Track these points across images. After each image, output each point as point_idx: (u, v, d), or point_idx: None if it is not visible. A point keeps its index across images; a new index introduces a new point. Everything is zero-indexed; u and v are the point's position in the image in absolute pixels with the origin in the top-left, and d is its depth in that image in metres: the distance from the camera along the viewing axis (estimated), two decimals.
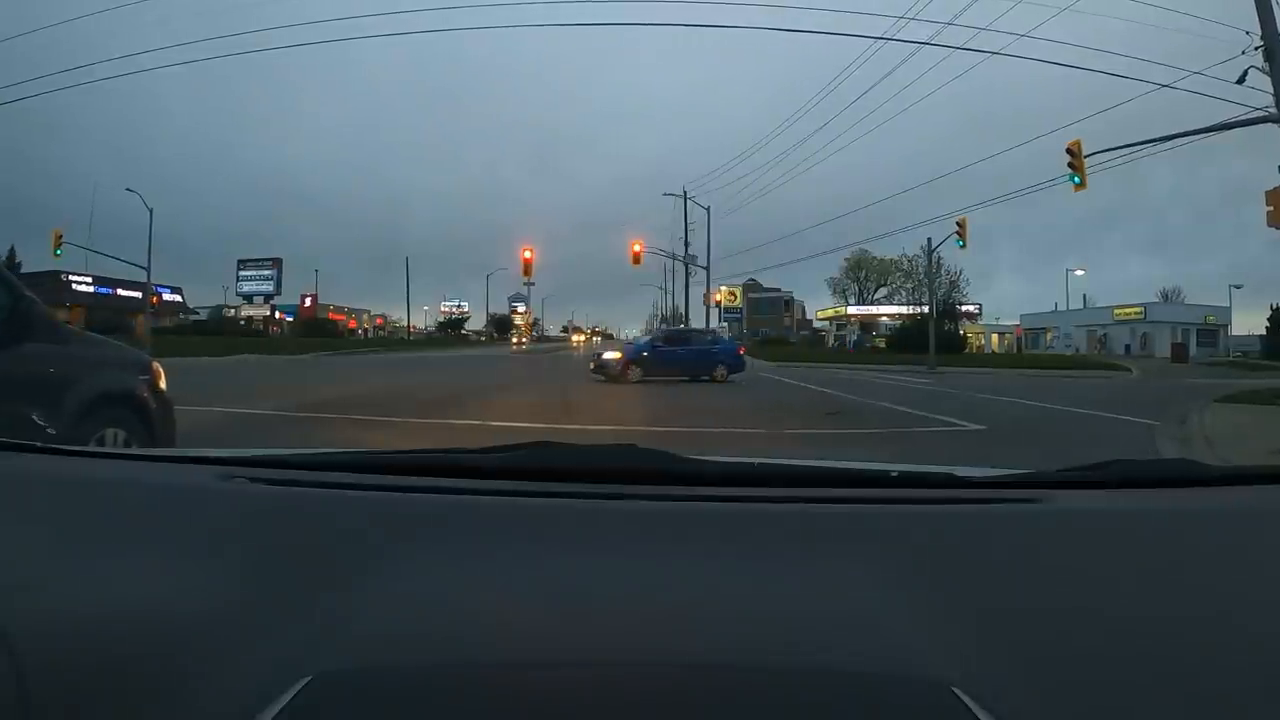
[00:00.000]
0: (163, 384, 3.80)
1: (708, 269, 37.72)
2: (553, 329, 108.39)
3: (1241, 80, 12.95)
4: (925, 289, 37.05)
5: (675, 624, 0.63)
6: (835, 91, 61.01)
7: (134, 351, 3.97)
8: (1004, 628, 0.62)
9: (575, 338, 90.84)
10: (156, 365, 3.83)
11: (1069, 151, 14.38)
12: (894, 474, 1.02)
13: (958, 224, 22.07)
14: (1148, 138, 14.22)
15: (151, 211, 28.21)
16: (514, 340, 77.31)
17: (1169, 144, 13.92)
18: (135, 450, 1.24)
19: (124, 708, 0.53)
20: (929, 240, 26.35)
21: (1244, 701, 0.55)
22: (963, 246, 22.27)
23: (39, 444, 1.12)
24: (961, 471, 1.01)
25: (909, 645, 0.59)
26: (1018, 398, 11.72)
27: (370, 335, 73.70)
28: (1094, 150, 14.43)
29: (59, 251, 26.77)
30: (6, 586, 0.65)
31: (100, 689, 0.54)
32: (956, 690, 0.52)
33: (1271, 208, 11.66)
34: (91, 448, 1.25)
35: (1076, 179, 14.28)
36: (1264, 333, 42.28)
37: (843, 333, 57.28)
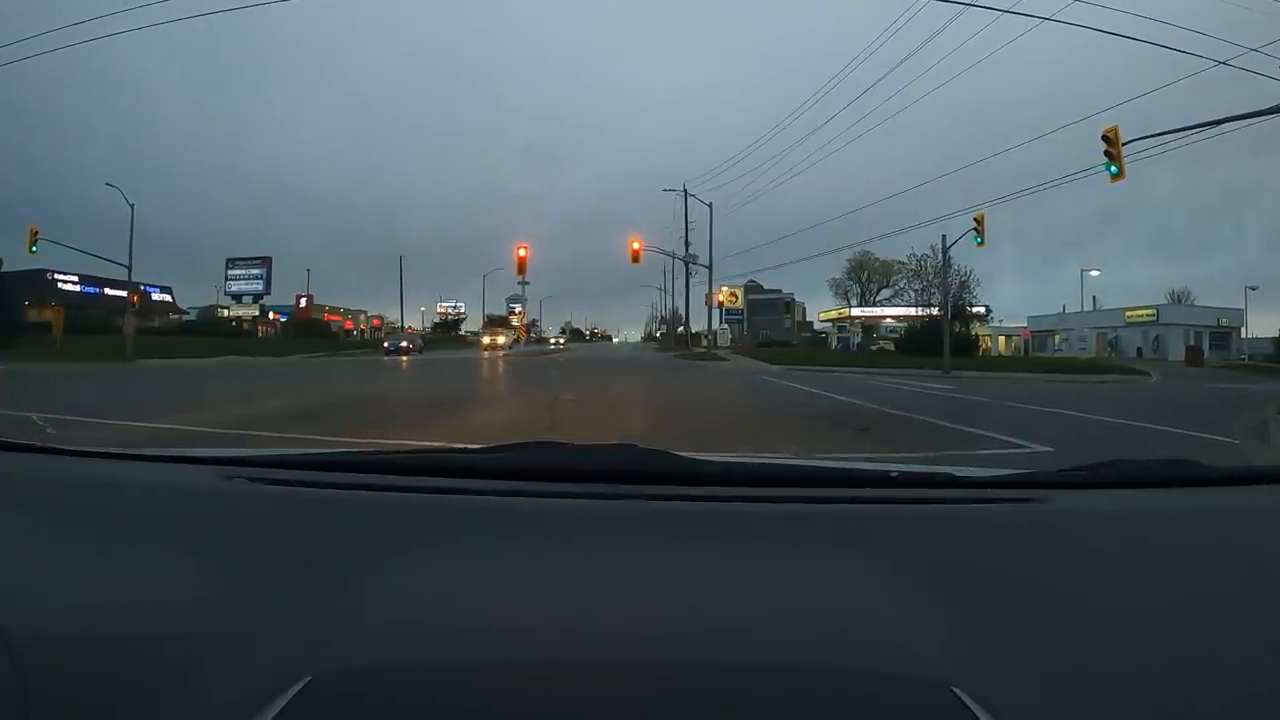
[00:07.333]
0: None
1: (710, 267, 36.60)
2: (551, 330, 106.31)
3: None
4: (935, 289, 35.98)
5: (674, 623, 0.62)
6: (835, 90, 60.21)
7: None
8: (1004, 627, 0.61)
9: (490, 338, 54.43)
10: None
11: (1105, 139, 13.25)
12: (894, 474, 1.02)
13: (975, 220, 20.93)
14: (1161, 131, 13.16)
15: (133, 207, 27.06)
16: (385, 345, 41.62)
17: (1218, 129, 12.80)
18: (135, 450, 1.03)
19: (124, 707, 0.53)
20: (944, 237, 25.12)
21: (1244, 700, 0.54)
22: (980, 243, 21.10)
23: (39, 444, 1.09)
24: (962, 472, 1.01)
25: (909, 645, 0.58)
26: (1056, 407, 10.56)
27: (367, 336, 72.09)
28: (1132, 138, 13.34)
29: (35, 248, 25.59)
30: (6, 586, 0.64)
31: (100, 689, 0.54)
32: (956, 690, 0.52)
33: None
34: (91, 447, 1.03)
35: (1114, 169, 13.15)
36: (1278, 334, 41.31)
37: (845, 334, 56.10)
